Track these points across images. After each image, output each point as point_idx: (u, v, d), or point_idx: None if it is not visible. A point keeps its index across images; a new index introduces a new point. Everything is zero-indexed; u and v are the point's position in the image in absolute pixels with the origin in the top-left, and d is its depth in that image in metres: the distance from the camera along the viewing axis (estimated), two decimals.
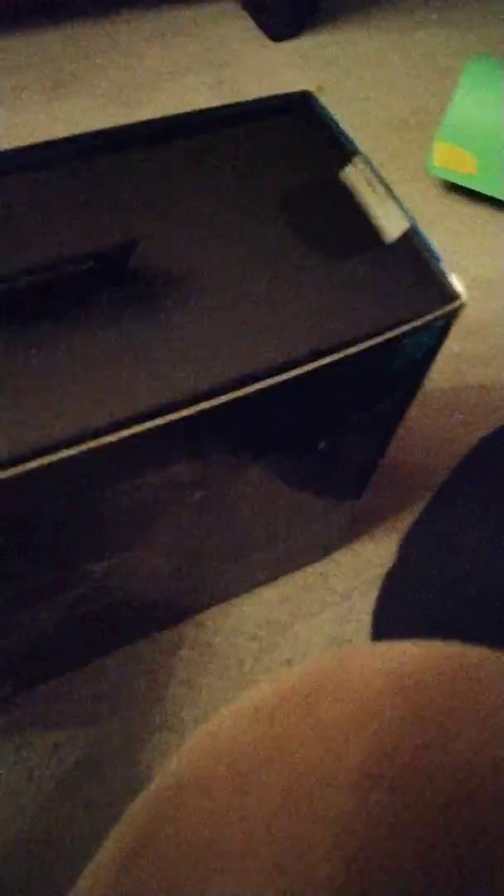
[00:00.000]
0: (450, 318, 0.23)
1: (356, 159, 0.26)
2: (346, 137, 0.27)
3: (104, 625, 0.36)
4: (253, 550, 0.36)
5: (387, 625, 0.39)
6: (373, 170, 0.26)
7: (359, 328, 0.22)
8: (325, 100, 0.63)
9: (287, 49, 0.68)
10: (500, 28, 0.73)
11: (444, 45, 0.70)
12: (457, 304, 0.23)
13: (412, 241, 0.24)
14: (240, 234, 0.24)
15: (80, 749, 0.35)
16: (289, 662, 0.38)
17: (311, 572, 0.41)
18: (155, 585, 0.34)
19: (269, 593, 0.40)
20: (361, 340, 0.22)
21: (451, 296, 0.23)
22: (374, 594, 0.40)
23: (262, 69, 0.66)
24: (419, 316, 0.23)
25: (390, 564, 0.42)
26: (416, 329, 0.23)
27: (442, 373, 0.49)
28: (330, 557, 0.41)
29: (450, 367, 0.50)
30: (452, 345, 0.51)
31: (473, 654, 0.19)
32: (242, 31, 0.70)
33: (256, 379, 0.21)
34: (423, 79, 0.67)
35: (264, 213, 0.24)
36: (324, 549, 0.41)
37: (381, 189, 0.25)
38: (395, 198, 0.25)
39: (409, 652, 0.19)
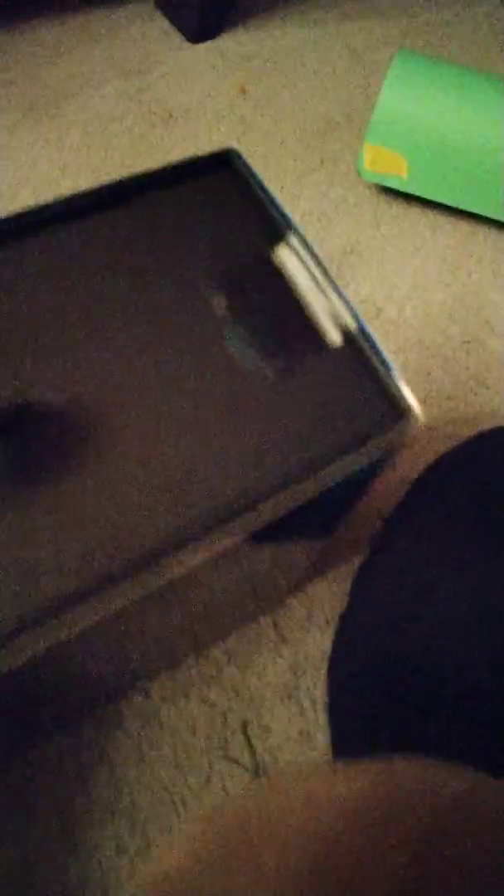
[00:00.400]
0: (403, 437, 0.21)
1: (290, 237, 0.23)
2: (276, 205, 0.24)
3: (40, 707, 0.33)
4: (202, 619, 0.33)
5: (341, 671, 0.37)
6: (308, 249, 0.23)
7: (304, 464, 0.20)
8: (249, 102, 0.60)
9: (206, 50, 0.65)
10: (423, 16, 0.70)
11: (368, 38, 0.68)
12: (411, 422, 0.20)
13: (359, 346, 0.22)
14: (163, 348, 0.21)
15: (11, 849, 0.32)
16: (244, 724, 0.36)
17: (262, 622, 0.39)
18: (96, 663, 0.31)
19: (217, 652, 0.37)
20: (305, 477, 0.20)
21: (404, 413, 0.20)
22: (326, 638, 0.38)
23: (182, 74, 0.63)
24: (367, 441, 0.20)
25: (343, 605, 0.39)
26: (364, 455, 0.20)
27: None
28: (281, 602, 0.39)
29: None
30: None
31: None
32: (159, 34, 0.66)
33: (192, 539, 0.19)
34: (349, 74, 0.65)
35: (192, 314, 0.22)
36: (278, 599, 0.38)
37: (320, 277, 0.23)
38: (337, 289, 0.22)
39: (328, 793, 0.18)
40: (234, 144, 0.56)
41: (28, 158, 0.56)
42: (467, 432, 0.44)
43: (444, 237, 0.55)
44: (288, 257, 0.23)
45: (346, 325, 0.22)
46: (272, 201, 0.24)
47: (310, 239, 0.53)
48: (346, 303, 0.23)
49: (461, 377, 0.48)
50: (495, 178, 0.50)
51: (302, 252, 0.23)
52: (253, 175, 0.24)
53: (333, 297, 0.22)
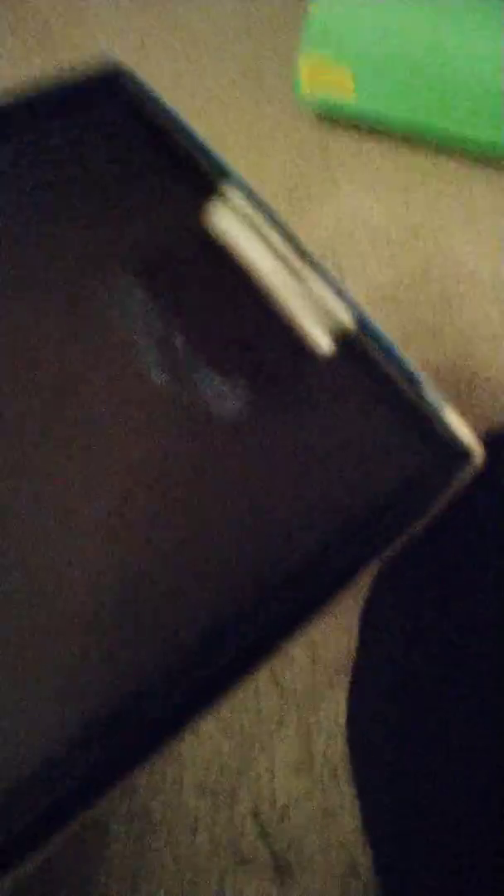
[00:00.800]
0: (458, 485, 0.14)
1: (228, 190, 0.15)
2: (199, 145, 0.16)
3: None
4: None
5: (362, 735, 0.30)
6: (262, 210, 0.15)
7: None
8: (150, 11, 0.49)
9: None
10: None
11: None
12: (468, 467, 0.13)
13: (364, 347, 0.14)
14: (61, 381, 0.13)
15: None
16: (255, 813, 0.29)
17: (260, 678, 0.32)
18: None
19: (208, 726, 0.31)
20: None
21: (458, 452, 0.13)
22: (338, 689, 0.32)
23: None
24: (407, 503, 0.13)
25: (352, 643, 0.33)
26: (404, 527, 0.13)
27: None
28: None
29: None
30: None
31: None
32: None
33: None
34: None
35: (95, 319, 0.13)
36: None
37: (283, 247, 0.14)
38: (313, 262, 0.14)
39: None
40: (149, 57, 0.46)
41: None
42: (469, 420, 0.37)
43: (405, 171, 0.46)
44: (230, 221, 0.15)
45: (337, 321, 0.14)
46: (192, 139, 0.15)
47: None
48: (332, 284, 0.15)
49: (447, 346, 0.40)
50: (472, 92, 0.42)
51: (253, 213, 0.15)
52: (155, 102, 0.16)
53: (310, 276, 0.15)
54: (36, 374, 0.13)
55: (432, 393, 0.14)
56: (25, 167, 0.15)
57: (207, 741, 0.30)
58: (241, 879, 0.28)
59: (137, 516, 0.13)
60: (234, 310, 0.14)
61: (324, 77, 0.43)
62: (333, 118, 0.47)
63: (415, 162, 0.46)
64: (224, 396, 0.13)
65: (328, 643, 0.32)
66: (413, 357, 0.41)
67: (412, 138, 0.47)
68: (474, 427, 0.39)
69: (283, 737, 0.31)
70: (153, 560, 0.12)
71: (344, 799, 0.30)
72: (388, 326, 0.41)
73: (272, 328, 0.14)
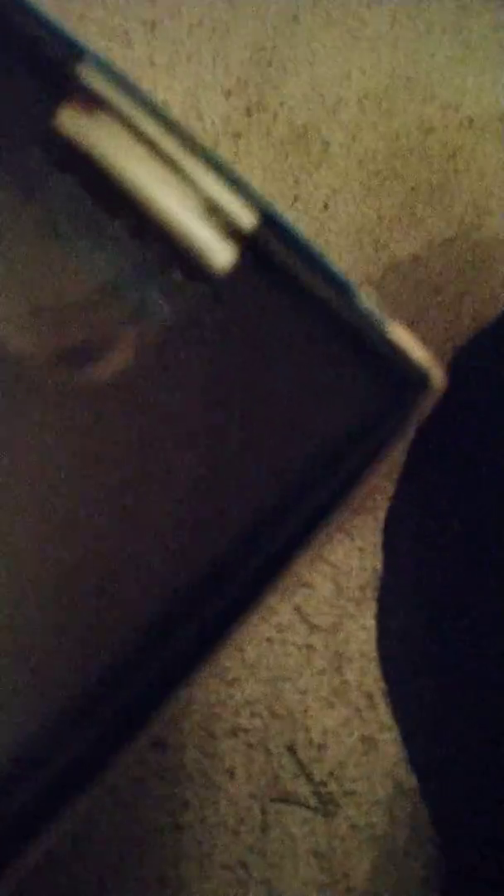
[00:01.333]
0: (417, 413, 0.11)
1: (85, 76, 0.11)
2: (42, 20, 0.12)
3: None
4: None
5: (395, 643, 0.29)
6: (132, 95, 0.11)
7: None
8: None
9: None
10: None
11: None
12: (425, 393, 0.10)
13: (275, 254, 0.11)
14: None
15: None
16: (290, 748, 0.28)
17: (281, 610, 0.30)
18: None
19: (233, 665, 0.29)
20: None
21: (409, 379, 0.10)
22: (365, 612, 0.30)
23: None
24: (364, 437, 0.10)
25: (376, 565, 0.31)
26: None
27: None
28: (299, 581, 0.30)
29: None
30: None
31: None
32: None
33: None
34: None
35: None
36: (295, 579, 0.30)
37: (159, 140, 0.11)
38: (202, 153, 0.11)
39: None
40: None
41: None
42: (491, 309, 0.33)
43: (389, 11, 0.40)
44: (92, 123, 0.11)
45: (237, 224, 0.11)
46: (31, 14, 0.12)
47: (210, 58, 0.39)
48: (228, 177, 0.12)
49: (456, 211, 0.36)
50: None
51: (119, 102, 0.12)
52: None
53: (199, 171, 0.11)
54: None
55: (370, 306, 0.11)
56: None
57: (235, 684, 0.29)
58: (285, 818, 0.28)
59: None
60: (107, 229, 0.11)
61: None
62: None
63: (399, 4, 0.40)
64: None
65: (349, 568, 0.30)
66: (421, 231, 0.36)
67: None
68: (497, 296, 0.35)
69: (314, 670, 0.29)
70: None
71: (383, 725, 0.29)
72: (391, 198, 0.37)
73: (157, 246, 0.11)
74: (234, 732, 0.29)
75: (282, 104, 0.38)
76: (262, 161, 0.37)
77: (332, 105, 0.38)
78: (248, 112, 0.37)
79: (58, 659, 0.10)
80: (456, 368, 0.26)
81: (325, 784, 0.28)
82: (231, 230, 0.11)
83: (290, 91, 0.38)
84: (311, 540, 0.13)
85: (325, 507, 0.12)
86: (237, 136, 0.37)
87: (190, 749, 0.28)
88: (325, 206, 0.36)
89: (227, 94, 0.38)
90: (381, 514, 0.31)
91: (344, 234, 0.36)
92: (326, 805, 0.28)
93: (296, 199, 0.36)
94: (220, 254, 0.11)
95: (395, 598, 0.29)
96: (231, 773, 0.28)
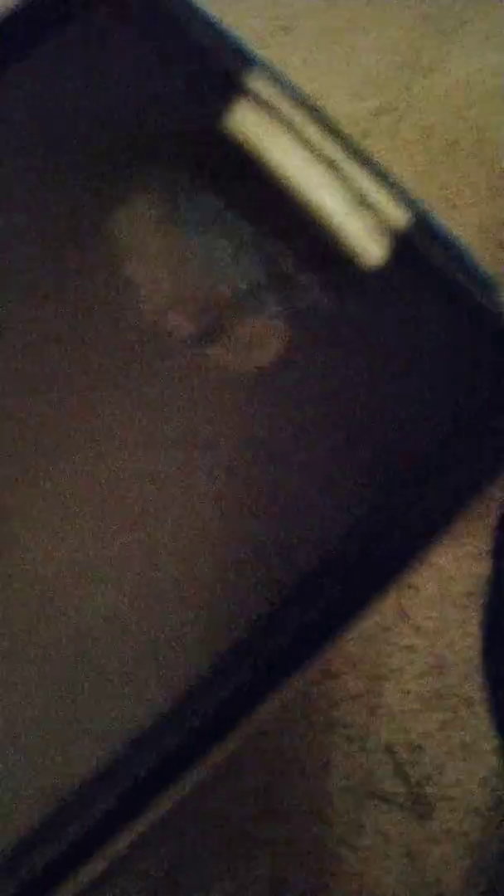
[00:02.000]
0: None
1: (252, 80, 0.12)
2: (216, 28, 0.13)
3: None
4: None
5: (500, 656, 0.28)
6: (295, 96, 0.12)
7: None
8: None
9: None
10: None
11: None
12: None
13: (427, 253, 0.11)
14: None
15: None
16: (388, 747, 0.28)
17: (384, 611, 0.30)
18: None
19: (335, 661, 0.30)
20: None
21: None
22: (469, 617, 0.30)
23: None
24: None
25: (483, 568, 0.30)
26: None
27: None
28: (402, 583, 0.30)
29: None
30: None
31: None
32: None
33: None
34: None
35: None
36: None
37: (319, 140, 0.11)
38: (360, 154, 0.11)
39: None
40: None
41: None
42: None
43: None
44: (259, 122, 0.12)
45: (391, 223, 0.11)
46: (205, 23, 0.12)
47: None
48: (384, 177, 0.12)
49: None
50: None
51: (283, 105, 0.12)
52: None
53: (356, 171, 0.12)
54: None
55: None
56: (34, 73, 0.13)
57: (335, 678, 0.30)
58: (378, 816, 0.28)
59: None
60: (269, 222, 0.12)
61: None
62: None
63: None
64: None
65: (457, 572, 0.30)
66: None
67: None
68: None
69: (414, 670, 0.29)
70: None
71: (483, 733, 0.28)
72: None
73: (313, 240, 0.12)
74: (331, 725, 0.29)
75: (409, 105, 0.38)
76: (388, 161, 0.37)
77: (460, 105, 0.38)
78: (377, 113, 0.38)
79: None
80: None
81: (420, 786, 0.28)
82: (383, 227, 0.11)
83: (420, 92, 0.38)
84: (427, 545, 0.13)
85: (445, 512, 0.12)
86: (365, 135, 0.38)
87: (287, 735, 0.29)
88: (454, 206, 0.36)
89: (355, 95, 0.38)
90: (491, 520, 0.30)
91: (467, 234, 0.35)
92: (422, 807, 0.28)
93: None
94: (372, 250, 0.11)
95: (502, 605, 0.28)
96: (326, 768, 0.29)
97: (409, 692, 0.29)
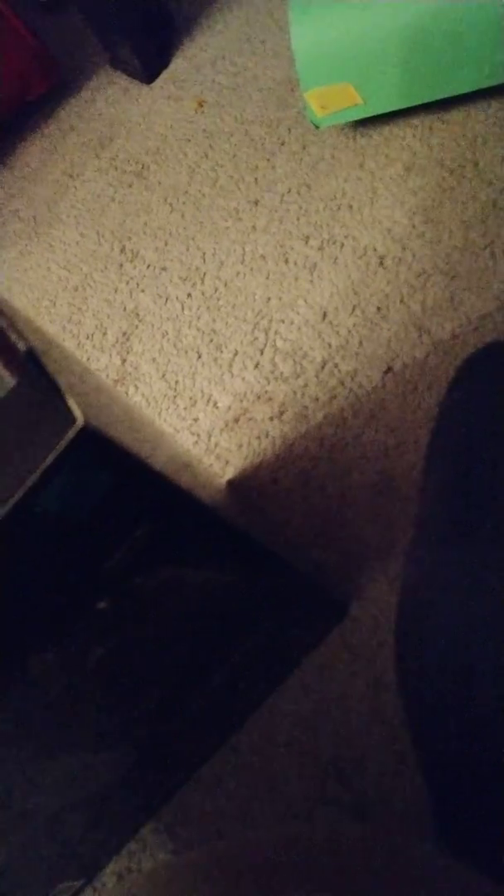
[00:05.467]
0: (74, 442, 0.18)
1: None
2: None
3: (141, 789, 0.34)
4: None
5: (408, 654, 0.32)
6: None
7: None
8: (208, 112, 0.58)
9: (161, 84, 0.65)
10: None
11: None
12: (76, 426, 0.18)
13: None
14: None
15: None
16: (335, 760, 0.33)
17: (329, 641, 0.36)
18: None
19: (292, 684, 0.35)
20: None
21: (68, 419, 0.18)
22: None
23: (145, 120, 0.63)
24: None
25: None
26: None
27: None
28: (346, 615, 0.36)
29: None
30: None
31: None
32: (120, 94, 0.67)
33: None
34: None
35: None
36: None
37: None
38: None
39: None
40: (203, 161, 0.54)
41: (40, 273, 0.60)
42: None
43: (436, 137, 0.47)
44: None
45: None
46: None
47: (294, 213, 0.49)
48: None
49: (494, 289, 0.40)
50: (461, 45, 0.43)
51: None
52: None
53: None
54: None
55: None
56: None
57: (291, 699, 0.35)
58: (328, 816, 0.32)
59: None
60: None
61: (330, 99, 0.47)
62: (359, 126, 0.50)
63: (445, 122, 0.46)
64: None
65: (387, 601, 0.35)
66: (460, 312, 0.41)
67: (435, 104, 0.46)
68: None
69: (356, 692, 0.34)
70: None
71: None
72: (435, 289, 0.42)
73: None
74: (287, 743, 0.34)
75: (346, 236, 0.46)
76: (332, 282, 0.45)
77: (386, 228, 0.46)
78: (321, 247, 0.47)
79: None
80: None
81: (363, 795, 0.32)
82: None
83: (354, 223, 0.47)
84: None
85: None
86: (312, 267, 0.47)
87: (254, 752, 0.35)
88: (378, 309, 0.43)
89: (306, 238, 0.48)
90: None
91: (393, 328, 0.42)
92: (364, 813, 0.32)
93: (354, 308, 0.44)
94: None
95: (409, 624, 0.33)
96: (286, 778, 0.34)
97: (352, 710, 0.34)
